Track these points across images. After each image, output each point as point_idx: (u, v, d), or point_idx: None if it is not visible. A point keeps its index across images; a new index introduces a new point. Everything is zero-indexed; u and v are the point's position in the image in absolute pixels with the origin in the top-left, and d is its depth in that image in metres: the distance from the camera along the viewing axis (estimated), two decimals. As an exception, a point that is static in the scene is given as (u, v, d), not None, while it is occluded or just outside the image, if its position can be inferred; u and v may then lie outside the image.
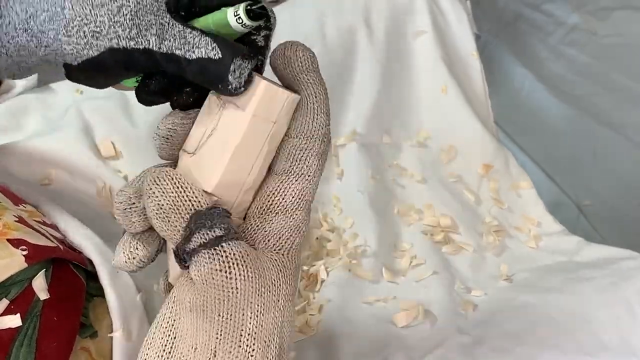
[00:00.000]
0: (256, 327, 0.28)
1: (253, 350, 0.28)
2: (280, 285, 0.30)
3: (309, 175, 0.32)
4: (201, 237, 0.29)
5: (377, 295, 0.66)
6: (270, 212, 0.32)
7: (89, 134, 0.71)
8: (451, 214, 0.76)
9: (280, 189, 0.32)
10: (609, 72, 0.95)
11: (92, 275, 0.45)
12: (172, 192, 0.30)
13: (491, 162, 0.83)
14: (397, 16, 0.87)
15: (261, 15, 0.32)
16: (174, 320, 0.29)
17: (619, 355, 0.57)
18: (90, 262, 0.45)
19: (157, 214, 0.30)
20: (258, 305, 0.28)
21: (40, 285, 0.38)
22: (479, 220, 0.78)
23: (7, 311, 0.36)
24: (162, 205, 0.30)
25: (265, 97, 0.32)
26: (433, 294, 0.65)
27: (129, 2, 0.30)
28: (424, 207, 0.77)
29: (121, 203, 0.31)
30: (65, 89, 0.76)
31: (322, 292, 0.66)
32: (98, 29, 0.30)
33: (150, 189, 0.30)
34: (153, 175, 0.30)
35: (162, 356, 0.28)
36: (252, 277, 0.29)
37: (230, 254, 0.29)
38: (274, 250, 0.31)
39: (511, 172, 0.84)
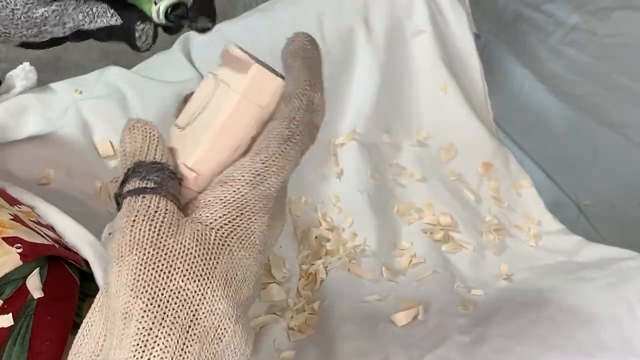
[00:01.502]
0: (150, 286, 0.27)
1: (147, 306, 0.27)
2: (193, 256, 0.28)
3: (265, 157, 0.31)
4: (131, 184, 0.29)
5: (376, 294, 0.66)
6: (217, 183, 0.31)
7: (88, 134, 0.70)
8: (451, 212, 0.76)
9: (233, 166, 0.31)
10: (609, 72, 0.95)
11: (87, 276, 0.44)
12: (138, 142, 0.30)
13: (491, 161, 0.83)
14: (396, 16, 0.87)
15: (178, 20, 0.35)
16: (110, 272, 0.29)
17: (619, 355, 0.57)
18: (86, 262, 0.45)
19: (120, 160, 0.30)
20: (157, 265, 0.28)
21: (34, 284, 0.37)
22: (479, 219, 0.78)
23: (1, 311, 0.35)
24: (126, 151, 0.30)
25: (256, 80, 0.32)
26: (433, 293, 0.65)
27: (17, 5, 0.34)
28: (424, 206, 0.77)
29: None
30: (64, 88, 0.76)
31: (321, 291, 0.66)
32: (7, 33, 0.34)
33: (123, 135, 0.31)
34: (128, 124, 0.31)
35: (95, 308, 0.29)
36: (152, 235, 0.28)
37: (143, 205, 0.28)
38: (204, 222, 0.29)
39: (511, 171, 0.84)
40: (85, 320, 0.29)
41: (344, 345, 0.59)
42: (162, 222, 0.28)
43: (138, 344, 0.26)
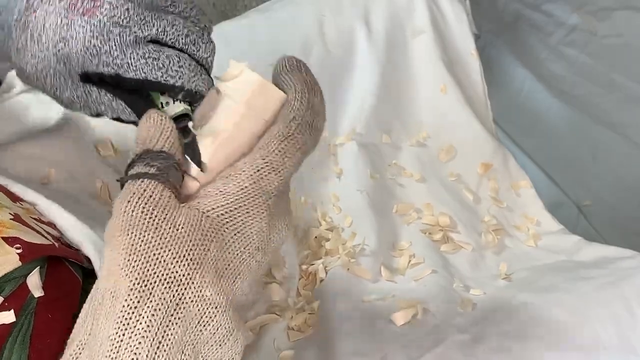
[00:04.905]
0: (139, 266, 0.28)
1: (134, 284, 0.28)
2: (185, 240, 0.29)
3: (265, 154, 0.32)
4: (135, 169, 0.30)
5: (375, 294, 0.66)
6: (219, 179, 0.32)
7: (89, 134, 0.71)
8: (450, 212, 0.76)
9: (235, 164, 0.32)
10: (609, 72, 0.95)
11: (90, 273, 0.45)
12: (151, 131, 0.32)
13: (490, 161, 0.83)
14: (396, 16, 0.87)
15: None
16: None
17: (618, 354, 0.57)
18: (88, 259, 0.45)
19: (135, 144, 0.32)
20: (147, 246, 0.28)
21: (34, 283, 0.38)
22: (478, 219, 0.78)
23: (1, 308, 0.36)
24: (138, 139, 0.32)
25: (259, 93, 0.32)
26: (432, 293, 0.65)
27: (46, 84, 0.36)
28: (423, 206, 0.77)
29: None
30: (65, 88, 0.76)
31: (321, 291, 0.66)
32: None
33: (139, 123, 0.32)
34: (146, 114, 0.32)
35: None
36: (145, 216, 0.28)
37: (139, 188, 0.29)
38: (201, 210, 0.30)
39: (510, 171, 0.84)
40: (83, 307, 0.30)
41: (343, 345, 0.59)
42: (156, 205, 0.29)
43: (122, 321, 0.27)
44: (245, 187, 0.31)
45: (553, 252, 0.74)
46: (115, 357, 0.27)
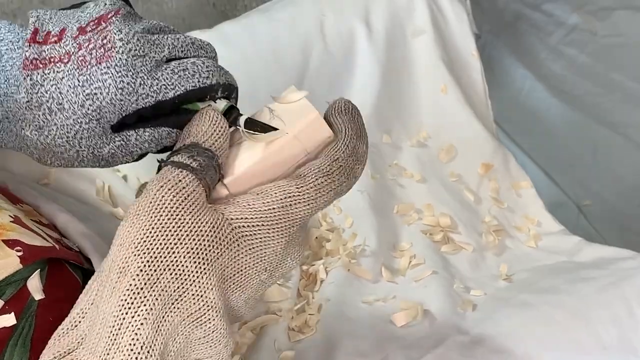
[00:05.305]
0: (153, 249, 0.28)
1: (145, 266, 0.28)
2: (203, 239, 0.29)
3: (301, 184, 0.32)
4: (178, 157, 0.31)
5: (376, 294, 0.66)
6: (251, 193, 0.32)
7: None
8: (451, 213, 0.76)
9: (270, 184, 0.32)
10: (609, 72, 0.95)
11: (90, 274, 0.45)
12: (205, 126, 0.32)
13: (491, 161, 0.83)
14: (396, 16, 0.87)
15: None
16: None
17: (619, 355, 0.57)
18: (88, 260, 0.45)
19: (181, 136, 0.33)
20: (166, 234, 0.29)
21: (35, 286, 0.38)
22: (478, 220, 0.78)
23: (2, 311, 0.36)
24: (190, 130, 0.33)
25: (312, 126, 0.34)
26: (432, 294, 0.65)
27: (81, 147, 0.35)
28: (424, 207, 0.77)
29: None
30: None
31: (321, 291, 0.66)
32: (72, 165, 0.37)
33: (194, 116, 0.33)
34: (204, 109, 0.33)
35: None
36: (172, 205, 0.29)
37: (176, 177, 0.30)
38: (226, 215, 0.31)
39: (511, 172, 0.84)
40: (92, 277, 0.31)
41: (343, 346, 0.59)
42: (186, 198, 0.29)
43: (126, 300, 0.28)
44: (274, 208, 0.31)
45: (553, 252, 0.74)
46: (117, 334, 0.27)
